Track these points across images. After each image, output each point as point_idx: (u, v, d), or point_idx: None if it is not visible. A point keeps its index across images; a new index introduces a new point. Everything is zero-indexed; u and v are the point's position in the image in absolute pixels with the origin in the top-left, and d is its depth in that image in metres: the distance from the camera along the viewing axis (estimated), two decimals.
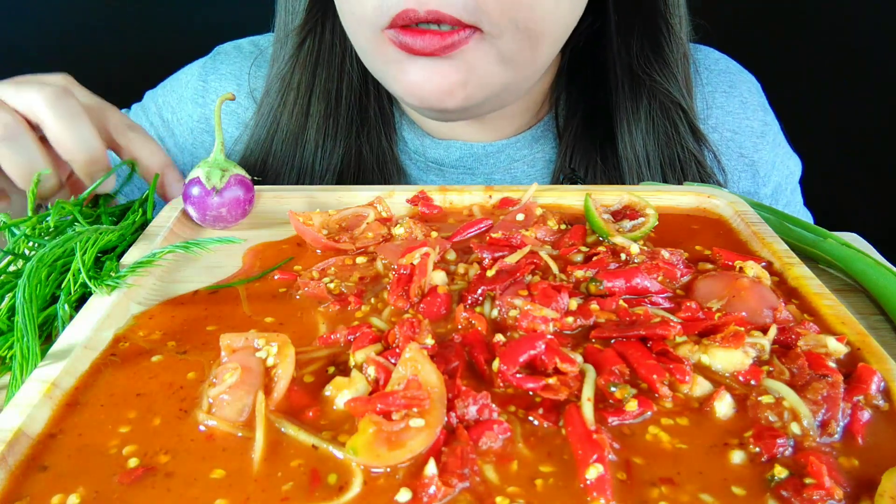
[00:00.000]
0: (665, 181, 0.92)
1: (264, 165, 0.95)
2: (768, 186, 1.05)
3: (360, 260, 0.65)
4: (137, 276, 0.60)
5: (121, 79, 1.22)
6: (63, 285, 0.59)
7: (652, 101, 0.91)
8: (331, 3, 0.88)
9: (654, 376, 0.48)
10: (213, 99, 1.03)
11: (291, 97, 0.94)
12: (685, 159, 0.93)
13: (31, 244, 0.65)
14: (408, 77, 0.78)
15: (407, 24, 0.73)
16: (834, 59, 1.59)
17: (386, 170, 0.97)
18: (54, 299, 0.60)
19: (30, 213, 0.69)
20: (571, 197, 0.76)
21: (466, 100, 0.79)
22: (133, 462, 0.42)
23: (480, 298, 0.58)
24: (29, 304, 0.55)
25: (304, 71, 0.94)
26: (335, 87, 0.94)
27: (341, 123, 0.95)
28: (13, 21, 1.45)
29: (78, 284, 0.58)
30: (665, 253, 0.62)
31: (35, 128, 0.73)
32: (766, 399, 0.46)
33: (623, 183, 0.93)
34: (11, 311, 0.58)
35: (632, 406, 0.45)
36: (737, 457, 0.43)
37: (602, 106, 0.95)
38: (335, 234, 0.69)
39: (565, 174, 0.95)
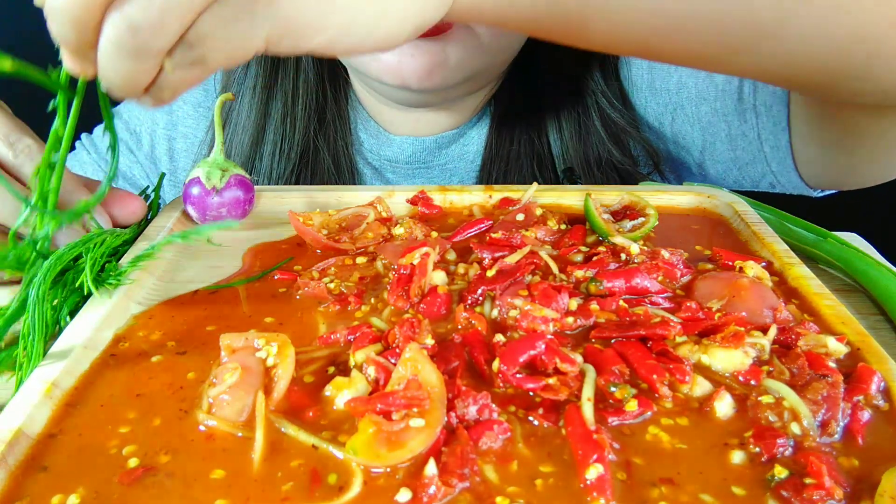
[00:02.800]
0: (594, 180, 0.93)
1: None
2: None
3: (360, 260, 0.65)
4: (138, 269, 0.60)
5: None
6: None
7: (585, 106, 0.93)
8: None
9: (654, 376, 0.48)
10: (179, 105, 1.03)
11: (248, 96, 0.94)
12: (611, 161, 0.93)
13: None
14: (386, 56, 0.79)
15: None
16: None
17: (343, 170, 0.97)
18: None
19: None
20: (571, 197, 0.76)
21: (444, 80, 0.81)
22: (133, 462, 0.42)
23: (480, 298, 0.58)
24: (41, 303, 0.55)
25: (259, 67, 0.93)
26: (291, 84, 0.94)
27: (298, 124, 0.94)
28: None
29: (78, 284, 0.58)
30: (665, 253, 0.62)
31: None
32: (766, 399, 0.46)
33: (556, 176, 0.94)
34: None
35: (632, 406, 0.45)
36: (737, 457, 0.43)
37: (535, 97, 0.96)
38: (335, 234, 0.69)
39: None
